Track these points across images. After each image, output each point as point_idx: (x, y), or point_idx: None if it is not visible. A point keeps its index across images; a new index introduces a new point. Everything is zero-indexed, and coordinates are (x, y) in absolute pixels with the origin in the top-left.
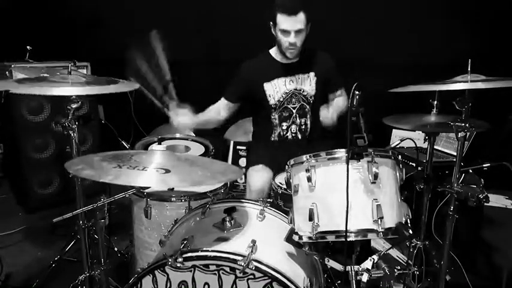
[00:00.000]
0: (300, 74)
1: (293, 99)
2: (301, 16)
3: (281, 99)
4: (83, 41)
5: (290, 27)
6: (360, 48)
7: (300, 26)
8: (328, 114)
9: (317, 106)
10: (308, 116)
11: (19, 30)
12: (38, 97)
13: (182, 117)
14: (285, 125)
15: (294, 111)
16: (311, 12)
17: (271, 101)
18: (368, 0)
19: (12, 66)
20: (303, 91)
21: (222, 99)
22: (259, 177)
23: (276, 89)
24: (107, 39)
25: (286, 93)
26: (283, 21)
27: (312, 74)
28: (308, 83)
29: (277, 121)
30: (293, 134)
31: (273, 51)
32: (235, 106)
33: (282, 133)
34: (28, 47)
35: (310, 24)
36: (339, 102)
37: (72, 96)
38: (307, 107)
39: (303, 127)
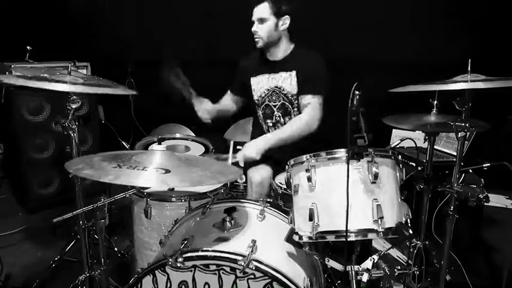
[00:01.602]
0: (282, 72)
1: (273, 97)
2: (264, 5)
3: (262, 95)
4: (83, 41)
5: (253, 16)
6: (359, 48)
7: (261, 15)
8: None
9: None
10: (292, 115)
11: (19, 30)
12: (38, 97)
13: (204, 104)
14: (269, 122)
15: (275, 109)
16: (285, 6)
17: (255, 96)
18: (369, 0)
19: (12, 66)
20: (283, 89)
21: (228, 92)
22: (258, 173)
23: (259, 85)
24: (107, 39)
25: (267, 89)
26: (253, 12)
27: (293, 72)
28: (289, 82)
29: (261, 117)
30: None
31: None
32: (240, 99)
33: (269, 130)
34: (28, 47)
35: (286, 18)
36: (289, 128)
37: (71, 96)
38: (290, 106)
39: None
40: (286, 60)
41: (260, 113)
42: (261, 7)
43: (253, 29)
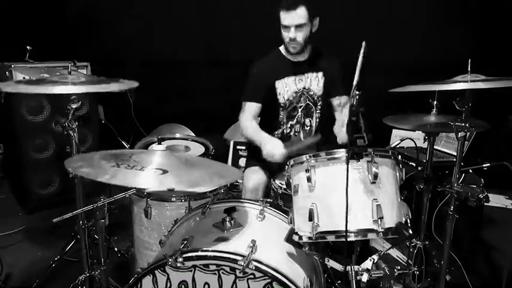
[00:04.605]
0: (309, 72)
1: (301, 99)
2: (302, 11)
3: (291, 98)
4: (83, 41)
5: (289, 22)
6: (359, 48)
7: (300, 21)
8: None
9: (323, 107)
10: (314, 116)
11: (19, 30)
12: (38, 97)
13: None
14: (290, 123)
15: (300, 110)
16: (316, 8)
17: (281, 100)
18: (369, 0)
19: (12, 66)
20: (310, 90)
21: (252, 103)
22: (254, 177)
23: (286, 88)
24: (107, 39)
25: (295, 92)
26: (284, 16)
27: (320, 73)
28: (316, 83)
29: (284, 120)
30: (296, 133)
31: (283, 49)
32: (260, 107)
33: (285, 131)
34: (28, 47)
35: (318, 20)
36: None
37: (71, 96)
38: (313, 107)
39: (307, 128)
40: (310, 61)
41: (284, 115)
42: (298, 12)
43: (291, 35)
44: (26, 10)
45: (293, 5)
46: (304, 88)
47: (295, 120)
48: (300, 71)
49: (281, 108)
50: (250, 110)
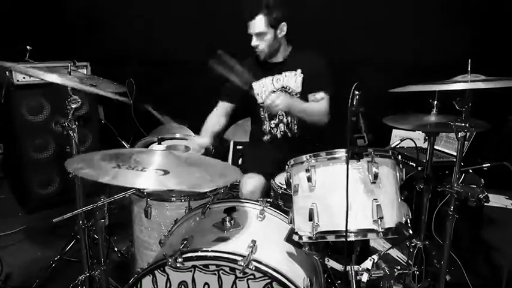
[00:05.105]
0: (287, 71)
1: None
2: (260, 19)
3: None
4: (83, 41)
5: (250, 30)
6: (360, 48)
7: (259, 29)
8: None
9: None
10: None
11: (19, 30)
12: (38, 97)
13: (197, 142)
14: (273, 122)
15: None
16: (280, 14)
17: (259, 100)
18: (369, 0)
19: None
20: (289, 88)
21: (224, 103)
22: (251, 182)
23: (263, 88)
24: (107, 39)
25: (273, 91)
26: (248, 26)
27: (298, 71)
28: (294, 80)
29: (266, 118)
30: (282, 133)
31: None
32: (232, 107)
33: (272, 131)
34: (28, 47)
35: (283, 25)
36: (312, 105)
37: (71, 96)
38: None
39: (291, 125)
40: (288, 61)
41: (266, 115)
42: (256, 21)
43: (253, 43)
44: (26, 10)
45: (251, 15)
46: (282, 87)
47: (277, 119)
48: (278, 70)
49: (261, 108)
50: (221, 109)
